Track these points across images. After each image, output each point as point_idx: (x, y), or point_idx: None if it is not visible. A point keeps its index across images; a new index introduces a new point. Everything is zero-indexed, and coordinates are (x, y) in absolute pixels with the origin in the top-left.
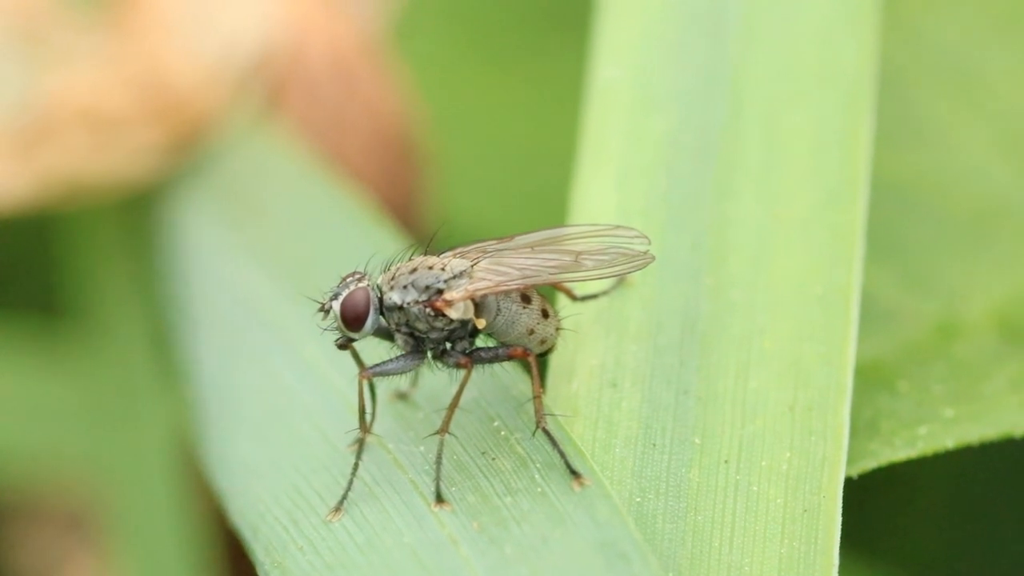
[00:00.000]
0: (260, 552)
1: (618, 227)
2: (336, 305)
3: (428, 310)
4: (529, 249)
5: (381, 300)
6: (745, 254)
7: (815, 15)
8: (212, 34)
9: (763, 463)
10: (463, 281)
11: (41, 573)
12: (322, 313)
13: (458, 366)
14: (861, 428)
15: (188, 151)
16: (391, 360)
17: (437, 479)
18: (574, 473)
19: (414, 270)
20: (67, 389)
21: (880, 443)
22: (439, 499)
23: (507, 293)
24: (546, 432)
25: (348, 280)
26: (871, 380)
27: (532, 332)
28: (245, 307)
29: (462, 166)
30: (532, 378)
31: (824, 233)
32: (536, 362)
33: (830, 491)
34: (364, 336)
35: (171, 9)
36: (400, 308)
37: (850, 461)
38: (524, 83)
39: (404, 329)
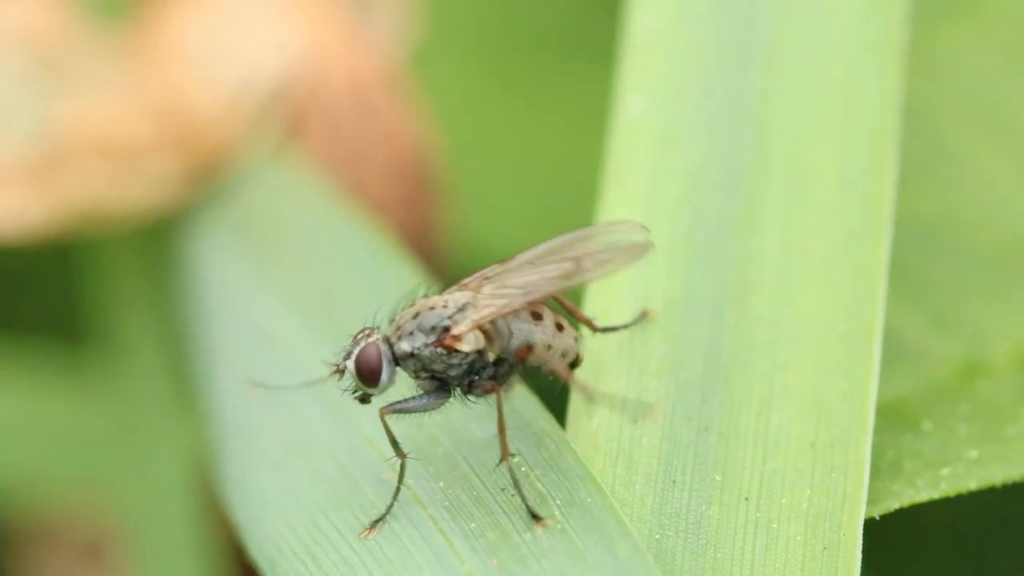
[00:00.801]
0: None
1: (617, 223)
2: (350, 364)
3: (440, 350)
4: (531, 265)
5: (393, 351)
6: (769, 291)
7: (841, 51)
8: (231, 63)
9: (783, 500)
10: (468, 313)
11: None
12: (338, 375)
13: (487, 392)
14: (884, 468)
15: (206, 181)
16: (414, 397)
17: (524, 501)
18: (535, 517)
19: (417, 314)
20: (85, 415)
21: (903, 484)
22: (536, 518)
23: (516, 313)
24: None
25: (359, 337)
26: (895, 420)
27: (550, 347)
28: (264, 338)
29: (481, 196)
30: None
31: (848, 270)
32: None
33: (850, 529)
34: (383, 390)
35: (190, 38)
36: (412, 355)
37: (872, 501)
38: (543, 112)
39: (424, 374)
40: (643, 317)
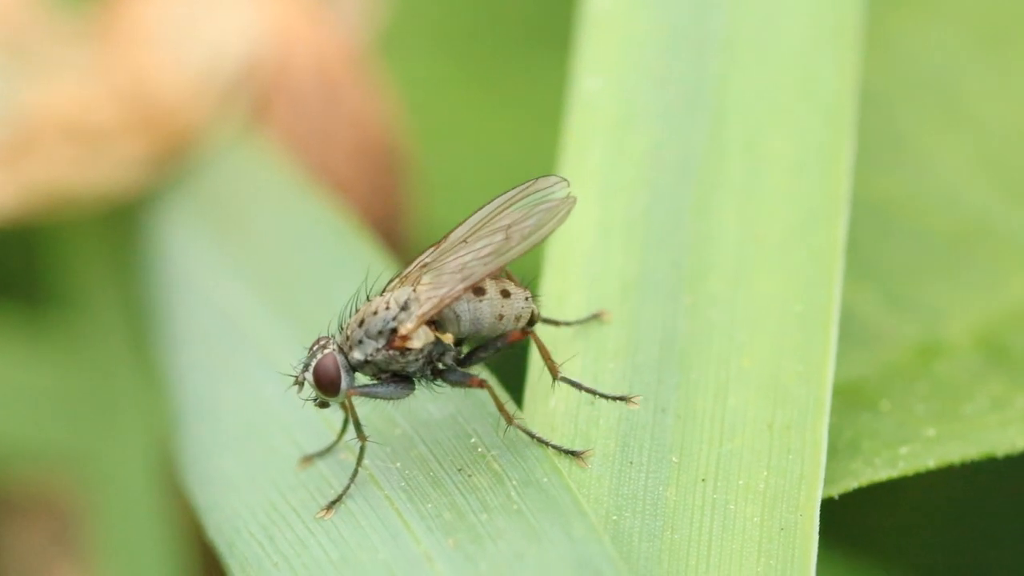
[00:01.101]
0: (235, 568)
1: (536, 180)
2: (309, 376)
3: (392, 352)
4: (464, 244)
5: (348, 360)
6: (725, 273)
7: (797, 34)
8: (197, 46)
9: (740, 481)
10: (412, 309)
11: (26, 564)
12: (297, 387)
13: (470, 386)
14: (842, 448)
15: (172, 163)
16: (381, 384)
17: (558, 449)
18: (573, 453)
19: (362, 322)
20: (50, 392)
21: (861, 463)
22: (575, 454)
23: (459, 297)
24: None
25: (315, 349)
26: (853, 400)
27: (502, 317)
28: (226, 320)
29: (445, 178)
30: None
31: (804, 252)
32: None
33: (807, 509)
34: (344, 397)
35: (156, 21)
36: (367, 362)
37: (831, 481)
38: (506, 95)
39: (385, 375)
40: (595, 318)
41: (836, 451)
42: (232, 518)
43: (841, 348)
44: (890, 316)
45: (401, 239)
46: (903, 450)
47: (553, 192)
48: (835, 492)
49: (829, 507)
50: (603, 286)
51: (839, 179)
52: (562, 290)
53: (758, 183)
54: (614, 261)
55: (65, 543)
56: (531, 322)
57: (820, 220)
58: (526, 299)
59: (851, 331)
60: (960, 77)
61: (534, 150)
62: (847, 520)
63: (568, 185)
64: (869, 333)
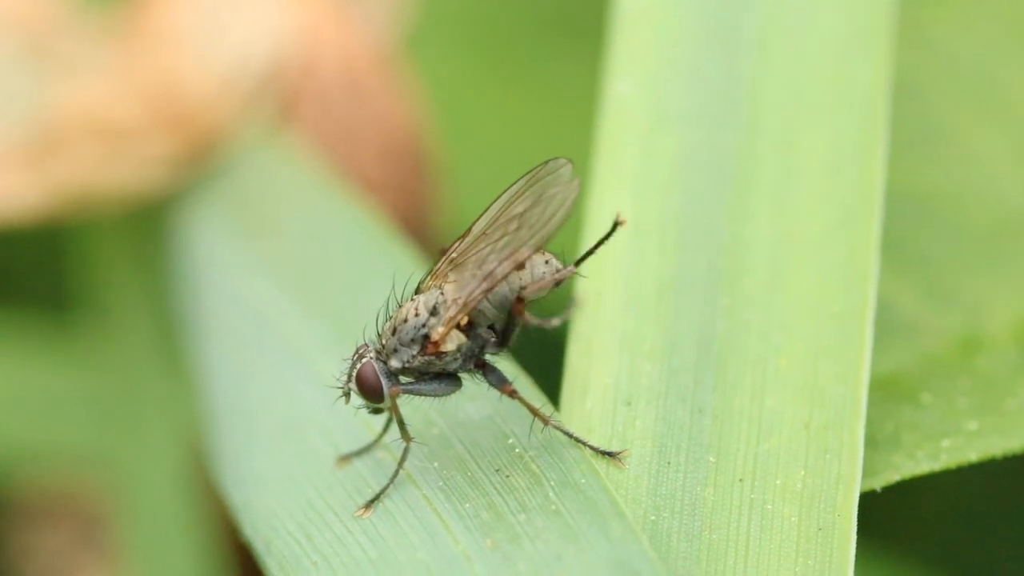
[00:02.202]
0: (273, 566)
1: (546, 164)
2: (353, 385)
3: (427, 356)
4: (484, 235)
5: (387, 367)
6: (760, 273)
7: (829, 32)
8: (224, 45)
9: (778, 481)
10: (440, 313)
11: (53, 567)
12: (345, 397)
13: (502, 392)
14: (883, 441)
15: (199, 163)
16: (425, 382)
17: (594, 449)
18: (609, 454)
19: (395, 331)
20: (79, 393)
21: (903, 456)
22: (610, 455)
23: (484, 296)
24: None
25: (354, 359)
26: (893, 393)
27: (525, 288)
28: (257, 320)
29: (474, 177)
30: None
31: (839, 252)
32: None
33: (845, 509)
34: (389, 399)
35: (182, 20)
36: (405, 368)
37: (871, 473)
38: (535, 93)
39: (427, 377)
40: (574, 307)
41: (877, 444)
42: (269, 517)
43: (881, 340)
44: (931, 309)
45: (430, 238)
46: (945, 443)
47: (560, 174)
48: (877, 485)
49: (866, 504)
50: (639, 287)
51: (874, 178)
52: (598, 291)
53: (792, 183)
54: (650, 262)
55: (92, 546)
56: (561, 282)
57: (855, 219)
58: (545, 263)
59: (891, 323)
60: (997, 69)
61: (562, 148)
62: (885, 517)
63: (571, 164)
64: (910, 325)
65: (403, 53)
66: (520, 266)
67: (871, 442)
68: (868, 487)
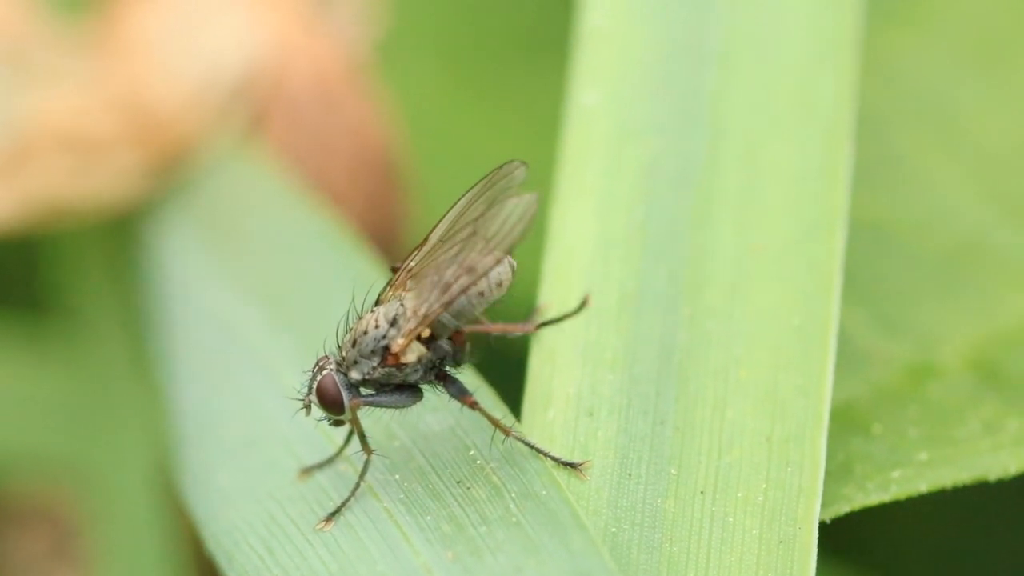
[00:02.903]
0: None
1: (500, 168)
2: (313, 397)
3: (388, 368)
4: (441, 243)
5: (348, 378)
6: (722, 285)
7: (795, 47)
8: (195, 57)
9: (739, 494)
10: (401, 324)
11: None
12: (306, 409)
13: (463, 404)
14: (834, 471)
15: (170, 174)
16: (386, 394)
17: (555, 460)
18: (570, 465)
19: (354, 343)
20: (52, 403)
21: (853, 487)
22: (572, 466)
23: (445, 309)
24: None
25: (315, 371)
26: (845, 423)
27: (482, 294)
28: (224, 332)
29: (443, 188)
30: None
31: (802, 265)
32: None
33: (806, 522)
34: (350, 411)
35: (153, 32)
36: (366, 380)
37: (824, 505)
38: (505, 105)
39: (388, 389)
40: (537, 317)
41: (828, 474)
42: (231, 530)
43: (834, 370)
44: (882, 338)
45: (399, 249)
46: (895, 474)
47: (514, 176)
48: (827, 516)
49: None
50: (601, 298)
51: (838, 191)
52: (561, 302)
53: (756, 196)
54: (613, 273)
55: (65, 553)
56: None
57: (818, 232)
58: (509, 264)
59: (843, 353)
60: (956, 96)
61: (530, 159)
62: (844, 533)
63: (526, 166)
64: (861, 355)
65: (374, 64)
66: (471, 271)
67: (824, 472)
68: (821, 518)
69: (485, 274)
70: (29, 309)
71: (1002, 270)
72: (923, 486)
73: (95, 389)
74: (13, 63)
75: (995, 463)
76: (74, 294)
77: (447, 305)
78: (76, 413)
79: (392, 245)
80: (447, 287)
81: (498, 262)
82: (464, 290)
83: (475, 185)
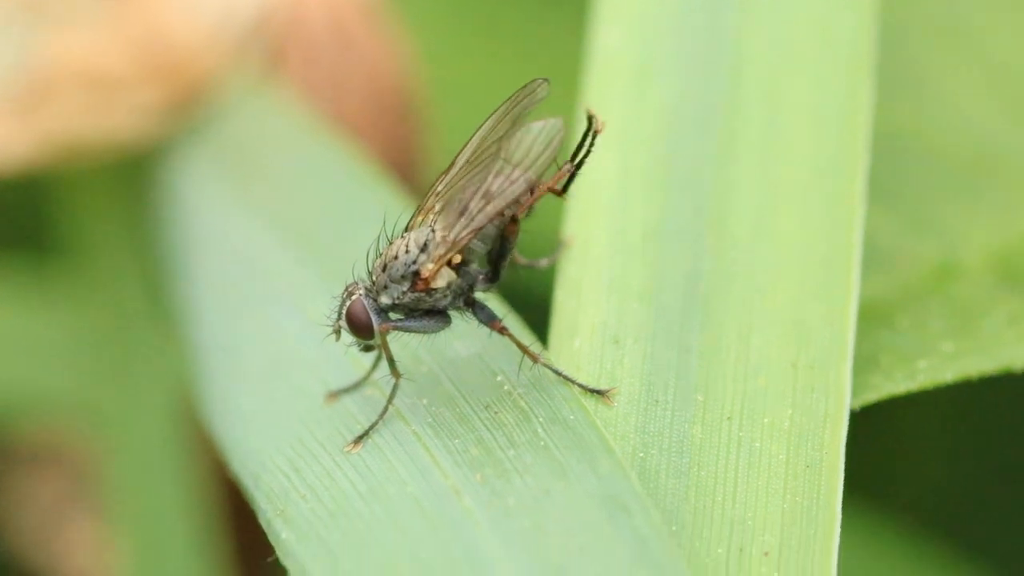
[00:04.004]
0: (262, 500)
1: (523, 88)
2: (343, 323)
3: (418, 293)
4: (468, 165)
5: (377, 303)
6: (747, 216)
7: None
8: None
9: (765, 420)
10: (431, 250)
11: (40, 517)
12: (336, 335)
13: (491, 329)
14: (861, 363)
15: (188, 112)
16: (414, 318)
17: (581, 386)
18: (597, 392)
19: (384, 267)
20: (67, 343)
21: (881, 377)
22: (599, 392)
23: (476, 235)
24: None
25: (345, 297)
26: (871, 318)
27: (503, 214)
28: (245, 263)
29: (459, 126)
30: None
31: (825, 194)
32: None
33: (832, 447)
34: (379, 335)
35: None
36: (395, 305)
37: (851, 394)
38: (521, 42)
39: (417, 314)
40: (563, 249)
41: (855, 366)
42: (257, 452)
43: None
44: (907, 238)
45: (416, 183)
46: (921, 364)
47: (537, 94)
48: (856, 405)
49: (852, 447)
50: (626, 230)
51: (859, 121)
52: (585, 237)
53: (779, 129)
54: (636, 209)
55: (80, 493)
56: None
57: (841, 162)
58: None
59: (868, 253)
60: (972, 12)
61: (549, 97)
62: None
63: (548, 83)
64: (886, 255)
65: (389, 1)
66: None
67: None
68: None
69: (512, 201)
70: (42, 249)
71: (1019, 177)
72: (949, 375)
73: (109, 329)
74: (31, 3)
75: (1020, 353)
76: (89, 233)
77: (476, 232)
78: (89, 353)
79: (409, 178)
80: (473, 215)
81: (524, 188)
82: (491, 217)
83: (500, 105)
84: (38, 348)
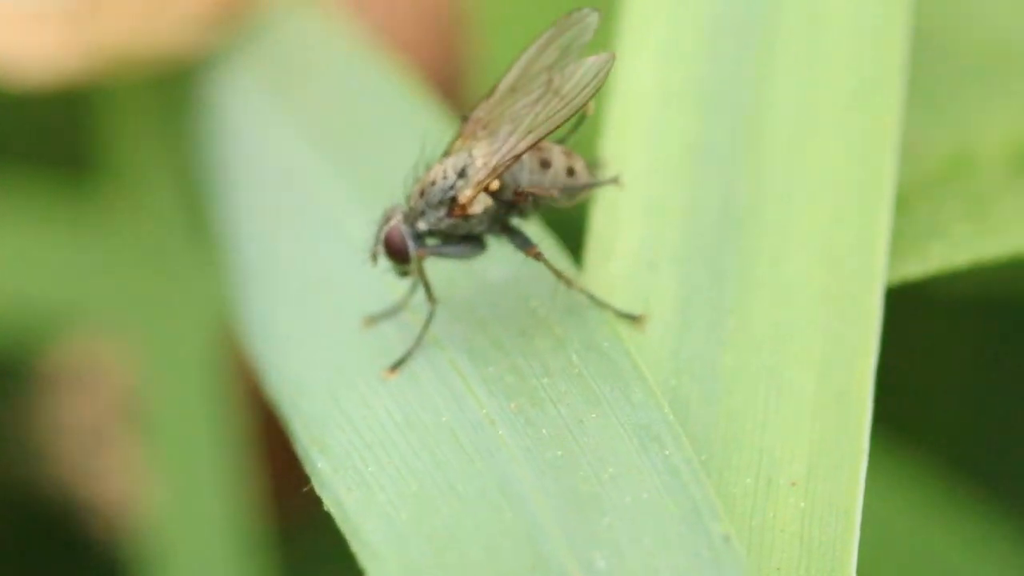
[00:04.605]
0: (299, 427)
1: (570, 15)
2: (380, 248)
3: (454, 219)
4: (512, 92)
5: (414, 229)
6: (783, 139)
7: None
8: None
9: (795, 348)
10: (469, 175)
11: (79, 443)
12: (372, 260)
13: (527, 255)
14: None
15: (235, 22)
16: (450, 244)
17: (613, 310)
18: (631, 317)
19: (422, 193)
20: (104, 261)
21: (893, 258)
22: (632, 318)
23: (516, 161)
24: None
25: (382, 222)
26: None
27: (558, 191)
28: (287, 180)
29: (508, 45)
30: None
31: (863, 120)
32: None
33: (862, 379)
34: (415, 261)
35: None
36: (432, 231)
37: None
38: None
39: (453, 240)
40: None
41: None
42: (295, 377)
43: None
44: (924, 128)
45: (463, 100)
46: (934, 246)
47: (587, 24)
48: None
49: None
50: (663, 149)
51: (896, 44)
52: (622, 152)
53: (816, 50)
54: (674, 125)
55: (119, 417)
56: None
57: (878, 87)
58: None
59: None
60: None
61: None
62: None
63: (598, 14)
64: (904, 145)
65: None
66: (571, 172)
67: None
68: None
69: (555, 129)
70: (82, 166)
71: None
72: (962, 259)
73: (148, 249)
74: None
75: None
76: (127, 152)
77: (517, 158)
78: (129, 274)
79: (456, 94)
80: (515, 144)
81: (568, 117)
82: (532, 145)
83: (545, 32)
84: (76, 268)
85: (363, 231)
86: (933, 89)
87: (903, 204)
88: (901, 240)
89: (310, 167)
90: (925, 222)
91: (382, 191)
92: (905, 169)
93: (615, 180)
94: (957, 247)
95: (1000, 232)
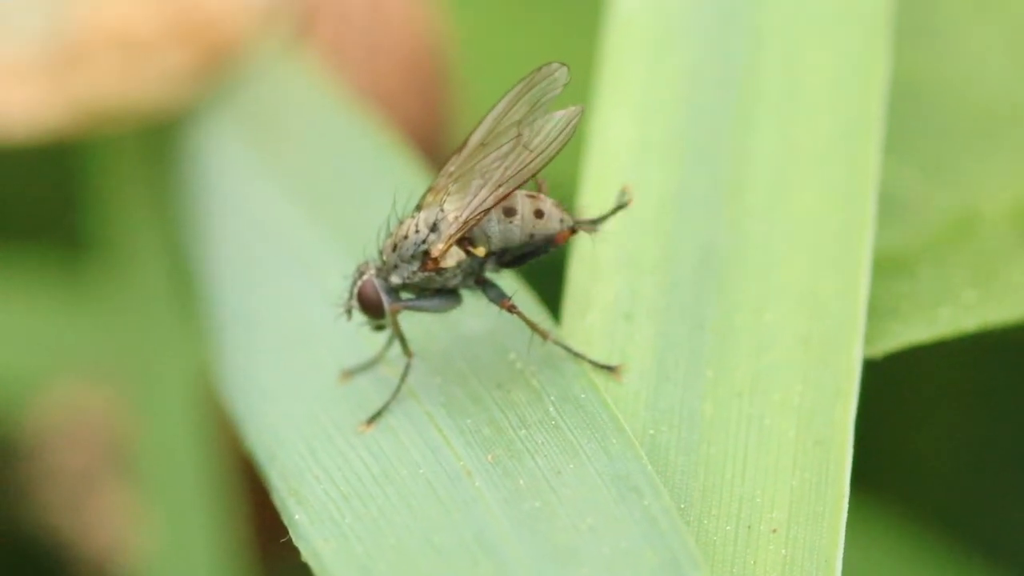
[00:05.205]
0: (276, 478)
1: (539, 70)
2: (354, 302)
3: (427, 273)
4: (482, 146)
5: (388, 283)
6: (763, 188)
7: None
8: None
9: (776, 396)
10: (441, 229)
11: (67, 490)
12: (347, 315)
13: (501, 307)
14: (881, 312)
15: (217, 76)
16: (425, 298)
17: (591, 362)
18: (608, 368)
19: (395, 247)
20: (88, 319)
21: (901, 324)
22: (610, 369)
23: (486, 215)
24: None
25: (356, 277)
26: (890, 268)
27: (532, 236)
28: (267, 234)
29: (489, 91)
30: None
31: (841, 168)
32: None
33: (842, 424)
34: (390, 315)
35: None
36: (406, 284)
37: (871, 342)
38: (551, 8)
39: (427, 293)
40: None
41: (875, 314)
42: (273, 429)
43: (879, 219)
44: (927, 188)
45: (445, 152)
46: (942, 312)
47: (555, 78)
48: (877, 353)
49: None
50: (641, 201)
51: (875, 92)
52: (599, 204)
53: (796, 99)
54: (652, 176)
55: (107, 466)
56: (572, 230)
57: (856, 136)
58: (560, 221)
59: (887, 202)
60: None
61: (573, 65)
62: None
63: (566, 68)
64: (906, 204)
65: None
66: (539, 214)
67: (869, 312)
68: (868, 355)
69: (525, 183)
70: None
71: None
72: (970, 324)
73: (133, 301)
74: None
75: None
76: (111, 206)
77: (487, 211)
78: (115, 325)
79: (438, 147)
80: (484, 197)
81: (538, 170)
82: (500, 199)
83: (514, 87)
84: (65, 321)
85: (341, 284)
86: (937, 150)
87: (908, 269)
88: (908, 305)
89: (290, 221)
90: (932, 288)
91: (362, 245)
92: (909, 231)
93: (594, 224)
94: (965, 312)
95: (1010, 296)
